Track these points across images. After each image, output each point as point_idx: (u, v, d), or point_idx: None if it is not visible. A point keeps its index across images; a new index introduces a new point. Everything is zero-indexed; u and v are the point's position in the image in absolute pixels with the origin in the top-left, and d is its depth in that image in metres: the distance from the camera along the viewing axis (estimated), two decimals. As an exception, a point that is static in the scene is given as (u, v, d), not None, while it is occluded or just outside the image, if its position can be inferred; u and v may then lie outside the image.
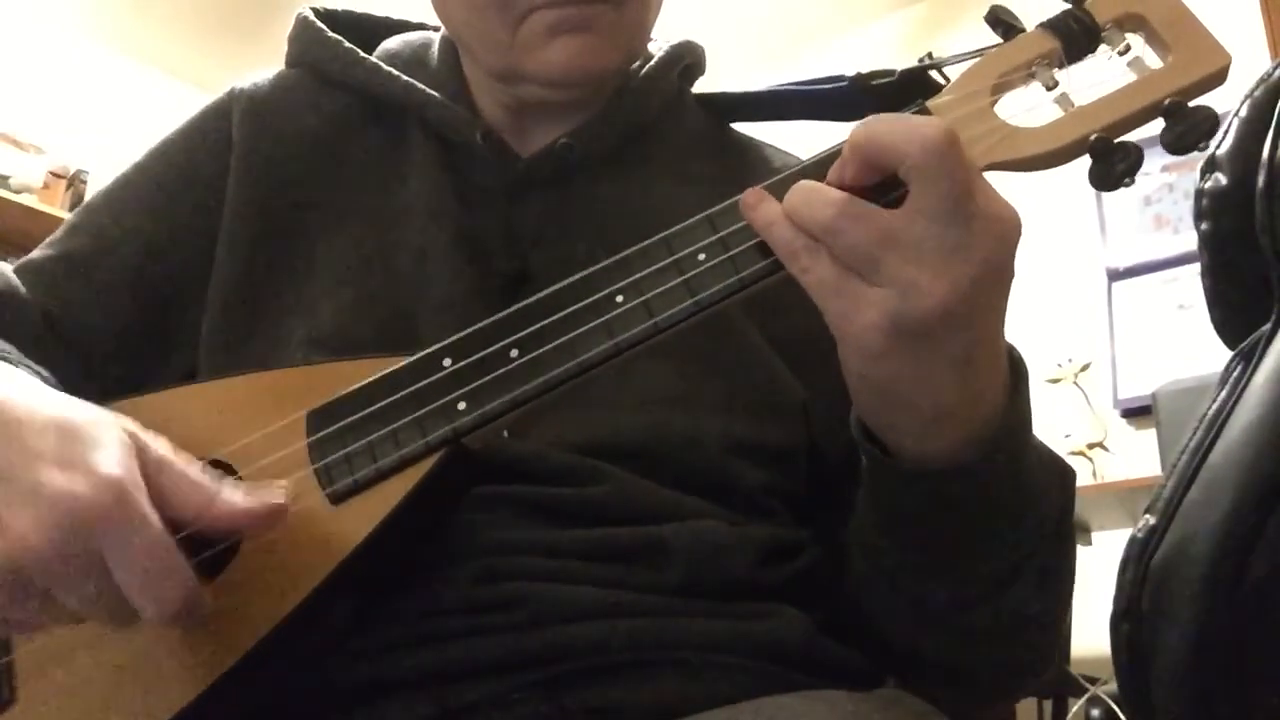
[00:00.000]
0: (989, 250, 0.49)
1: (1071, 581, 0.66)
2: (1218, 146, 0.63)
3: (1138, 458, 2.81)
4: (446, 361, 0.56)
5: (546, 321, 0.55)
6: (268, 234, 0.74)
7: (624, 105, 0.77)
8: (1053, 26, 0.54)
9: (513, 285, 0.68)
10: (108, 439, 0.51)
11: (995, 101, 0.54)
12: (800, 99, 0.73)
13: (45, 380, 0.65)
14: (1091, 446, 2.89)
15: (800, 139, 0.76)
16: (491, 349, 0.55)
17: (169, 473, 0.52)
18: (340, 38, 0.80)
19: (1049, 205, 2.73)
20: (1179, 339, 2.83)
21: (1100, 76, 0.53)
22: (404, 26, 0.87)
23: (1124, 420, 2.92)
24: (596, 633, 0.58)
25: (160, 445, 0.53)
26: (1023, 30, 0.55)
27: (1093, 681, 2.34)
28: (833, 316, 0.51)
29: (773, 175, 0.54)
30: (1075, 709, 2.38)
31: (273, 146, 0.76)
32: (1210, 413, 0.57)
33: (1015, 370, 0.57)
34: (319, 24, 0.81)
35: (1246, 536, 0.52)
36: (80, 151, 3.51)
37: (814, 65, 1.25)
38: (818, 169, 0.54)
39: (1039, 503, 0.60)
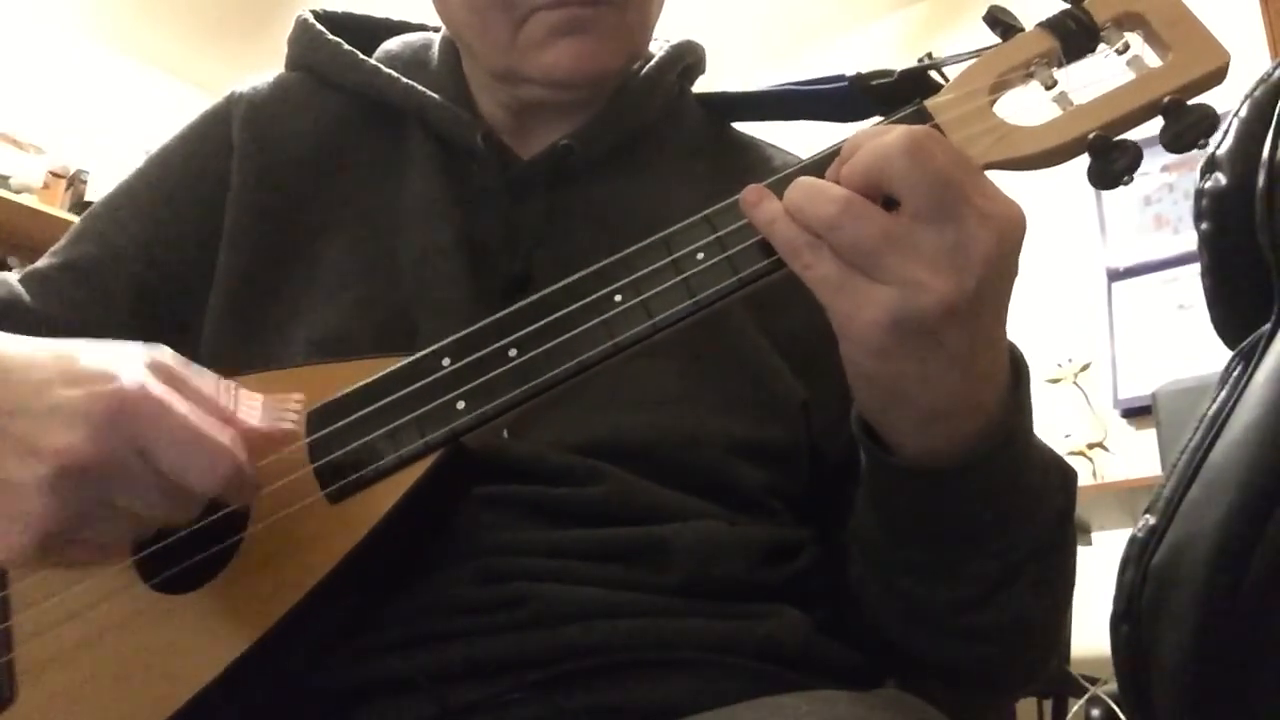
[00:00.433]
0: (989, 248, 0.49)
1: (1072, 583, 0.66)
2: (1218, 146, 0.63)
3: (1138, 458, 2.81)
4: (445, 361, 0.56)
5: (545, 321, 0.55)
6: (269, 237, 0.74)
7: (624, 106, 0.77)
8: (1051, 26, 0.54)
9: (514, 287, 0.68)
10: (108, 353, 0.52)
11: (994, 101, 0.54)
12: (800, 99, 0.73)
13: None
14: (1091, 446, 2.89)
15: (800, 139, 0.76)
16: (490, 348, 0.55)
17: (186, 387, 0.53)
18: (339, 40, 0.80)
19: (1049, 205, 2.73)
20: (1179, 339, 2.84)
21: (1099, 75, 0.53)
22: (404, 27, 0.87)
23: (1124, 420, 2.92)
24: (597, 633, 0.58)
25: (164, 354, 0.53)
26: (1021, 30, 0.55)
27: (1093, 681, 2.34)
28: (835, 313, 0.51)
29: (773, 174, 0.55)
30: (1075, 709, 2.38)
31: (273, 150, 0.76)
32: (1210, 413, 0.57)
33: (1016, 369, 0.57)
34: (318, 26, 0.81)
35: (1246, 536, 0.51)
36: (80, 151, 3.51)
37: (814, 65, 1.25)
38: (817, 168, 0.54)
39: (1040, 503, 0.60)
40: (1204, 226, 0.64)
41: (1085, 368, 2.98)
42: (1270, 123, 0.59)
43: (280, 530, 0.56)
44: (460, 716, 0.57)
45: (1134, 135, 0.53)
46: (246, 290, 0.73)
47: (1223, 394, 0.57)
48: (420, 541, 0.60)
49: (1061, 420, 2.91)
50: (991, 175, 0.53)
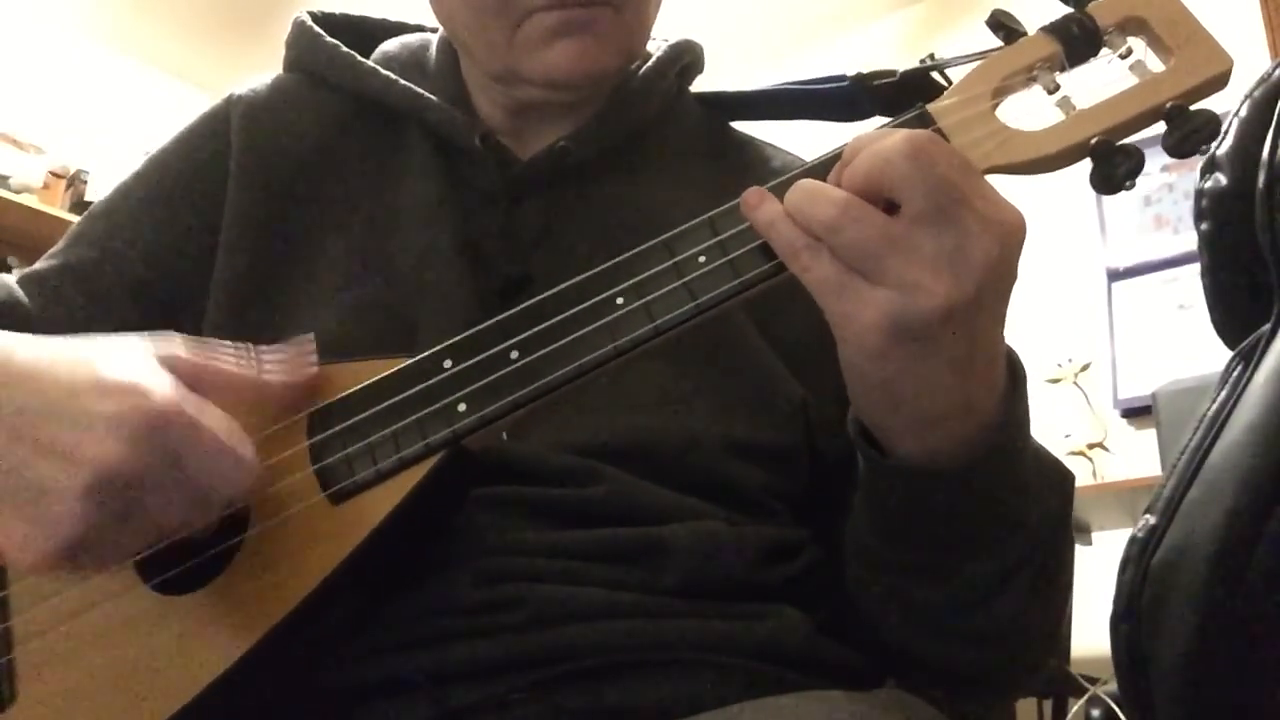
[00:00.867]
0: (988, 252, 0.49)
1: (1070, 584, 0.66)
2: (1218, 146, 0.63)
3: (1138, 458, 2.81)
4: (447, 363, 0.56)
5: (547, 324, 0.55)
6: (267, 239, 0.74)
7: (623, 106, 0.77)
8: (1054, 30, 0.54)
9: (514, 288, 0.68)
10: (129, 360, 0.52)
11: (996, 105, 0.54)
12: (800, 99, 0.73)
13: None
14: (1091, 446, 2.89)
15: (800, 139, 0.76)
16: (492, 351, 0.55)
17: (207, 373, 0.54)
18: (337, 42, 0.80)
19: (1049, 206, 2.72)
20: (1179, 339, 2.84)
21: (1102, 80, 0.53)
22: (402, 29, 0.87)
23: (1124, 420, 2.92)
24: (596, 633, 0.58)
25: (177, 345, 0.54)
26: (1024, 34, 0.55)
27: (1093, 681, 2.34)
28: (834, 316, 0.51)
29: (772, 175, 0.55)
30: (1075, 709, 2.38)
31: (271, 152, 0.76)
32: (1210, 413, 0.57)
33: (1013, 373, 0.57)
34: (315, 28, 0.81)
35: (1246, 536, 0.51)
36: (80, 151, 3.50)
37: (814, 65, 1.25)
38: (819, 172, 0.54)
39: (1037, 506, 0.60)
40: (1204, 226, 0.64)
41: (1085, 368, 2.98)
42: (1270, 123, 0.59)
43: (281, 532, 0.56)
44: (460, 717, 0.57)
45: (1134, 136, 0.53)
46: (245, 291, 0.72)
47: (1223, 394, 0.57)
48: (421, 543, 0.60)
49: (1061, 420, 2.90)
50: (991, 178, 0.53)
